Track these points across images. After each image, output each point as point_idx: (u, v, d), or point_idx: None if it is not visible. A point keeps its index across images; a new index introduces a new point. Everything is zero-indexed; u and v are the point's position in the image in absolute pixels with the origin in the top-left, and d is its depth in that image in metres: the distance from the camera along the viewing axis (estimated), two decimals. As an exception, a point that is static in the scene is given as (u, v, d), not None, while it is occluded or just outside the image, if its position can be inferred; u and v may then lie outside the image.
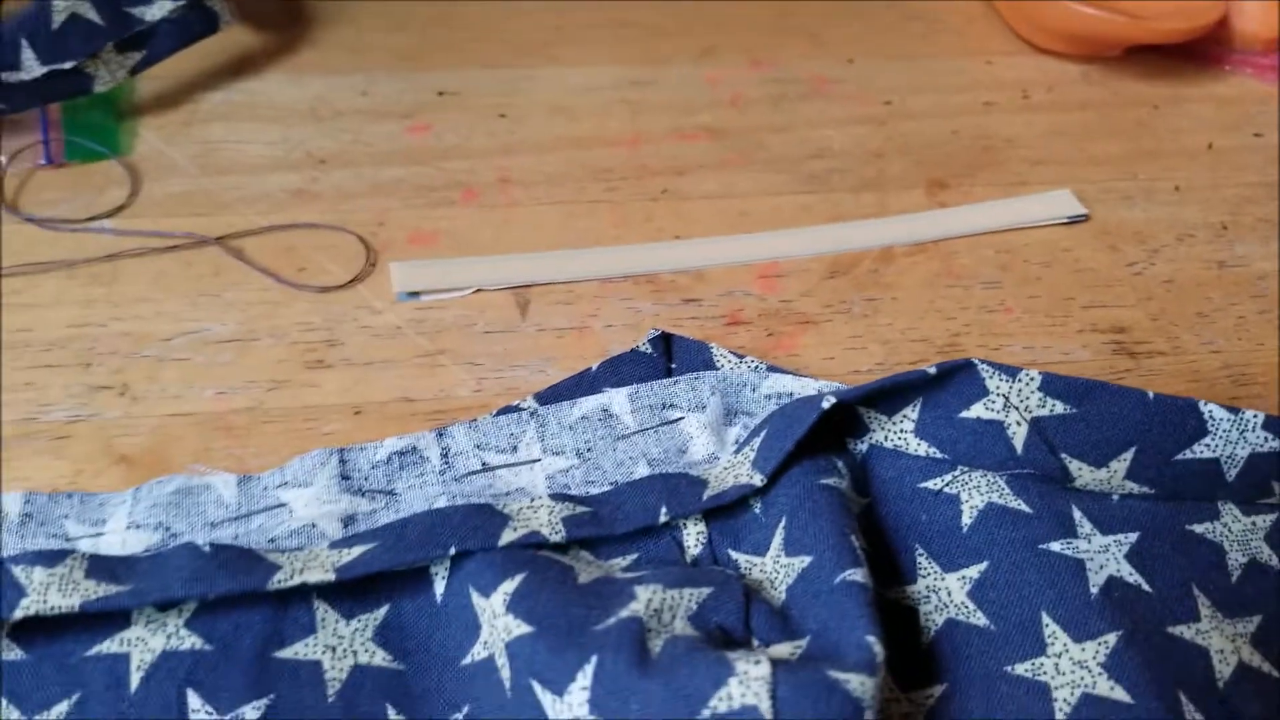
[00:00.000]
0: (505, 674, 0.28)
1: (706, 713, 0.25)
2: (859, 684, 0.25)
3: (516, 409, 0.36)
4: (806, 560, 0.30)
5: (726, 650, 0.27)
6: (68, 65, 0.42)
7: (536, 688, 0.27)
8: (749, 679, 0.25)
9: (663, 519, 0.32)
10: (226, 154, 0.45)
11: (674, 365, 0.37)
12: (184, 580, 0.29)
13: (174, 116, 0.46)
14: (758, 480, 0.32)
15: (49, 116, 0.45)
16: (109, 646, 0.29)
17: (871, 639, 0.27)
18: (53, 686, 0.29)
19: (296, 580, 0.29)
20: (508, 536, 0.30)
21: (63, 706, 0.29)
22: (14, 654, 0.29)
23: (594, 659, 0.26)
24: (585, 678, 0.26)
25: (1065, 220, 0.44)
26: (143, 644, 0.29)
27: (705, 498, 0.32)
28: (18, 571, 0.29)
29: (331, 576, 0.29)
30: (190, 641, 0.29)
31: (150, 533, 0.32)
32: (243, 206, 0.43)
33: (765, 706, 0.25)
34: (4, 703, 0.29)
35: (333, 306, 0.40)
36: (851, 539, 0.30)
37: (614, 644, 0.27)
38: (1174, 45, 0.50)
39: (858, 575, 0.29)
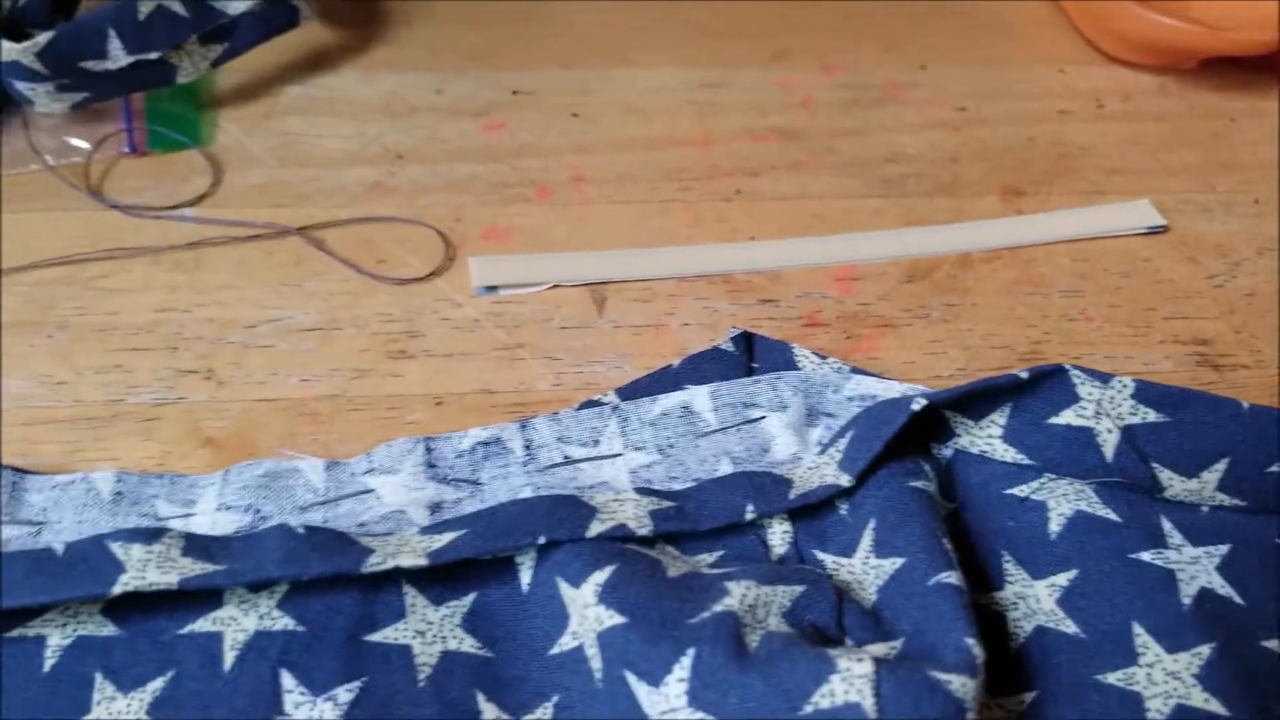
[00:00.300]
0: (596, 664, 0.29)
1: (809, 709, 0.25)
2: (960, 685, 0.26)
3: (598, 404, 0.36)
4: (899, 562, 0.30)
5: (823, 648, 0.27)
6: (153, 56, 0.43)
7: (631, 678, 0.27)
8: (852, 676, 0.25)
9: (749, 516, 0.32)
10: (304, 147, 0.45)
11: (755, 364, 0.37)
12: (279, 561, 0.29)
13: (253, 109, 0.47)
14: (845, 481, 0.32)
15: (132, 106, 0.45)
16: (202, 625, 0.30)
17: (971, 641, 0.27)
18: (147, 663, 0.29)
19: (390, 564, 0.29)
20: (595, 528, 0.30)
21: (157, 683, 0.29)
22: (108, 630, 0.30)
23: (691, 651, 0.27)
24: (683, 670, 0.26)
25: (1144, 231, 0.43)
26: (235, 623, 0.30)
27: (792, 496, 0.32)
28: (116, 548, 0.29)
29: (424, 561, 0.30)
30: (283, 622, 0.30)
31: (240, 514, 0.32)
32: (321, 199, 0.43)
33: (869, 704, 0.25)
34: (98, 677, 0.29)
35: (412, 299, 0.40)
36: (944, 542, 0.30)
37: (711, 637, 0.27)
38: (1250, 57, 0.50)
39: (952, 578, 0.29)
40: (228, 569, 0.29)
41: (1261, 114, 0.50)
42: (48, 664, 0.29)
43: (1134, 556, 0.32)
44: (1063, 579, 0.32)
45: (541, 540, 0.30)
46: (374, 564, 0.29)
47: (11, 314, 0.38)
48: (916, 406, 0.32)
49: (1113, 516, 0.32)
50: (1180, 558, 0.32)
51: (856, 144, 0.47)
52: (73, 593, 0.28)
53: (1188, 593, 0.31)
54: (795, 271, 0.42)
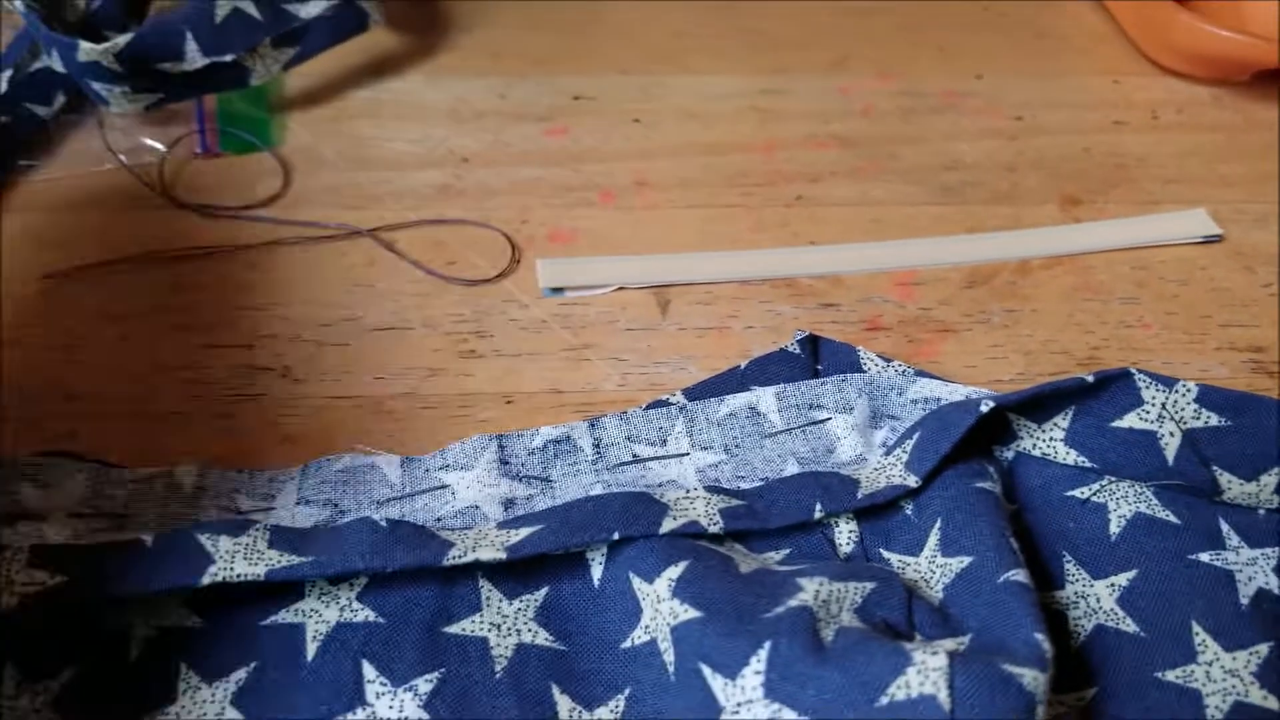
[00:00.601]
0: (669, 657, 0.29)
1: (885, 700, 0.26)
2: (1032, 679, 0.26)
3: (666, 403, 0.36)
4: (966, 560, 0.31)
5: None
6: (227, 58, 0.44)
7: (706, 671, 0.28)
8: (927, 669, 0.26)
9: (817, 515, 0.33)
10: (373, 150, 0.46)
11: (821, 366, 0.38)
12: (364, 553, 0.30)
13: (322, 112, 0.48)
14: (912, 482, 0.33)
15: (205, 107, 0.46)
16: (284, 617, 0.31)
17: (1040, 636, 0.28)
18: (230, 653, 0.30)
19: (470, 557, 0.30)
20: (668, 525, 0.31)
21: (241, 673, 0.30)
22: (191, 621, 0.30)
23: (768, 644, 0.27)
24: (759, 662, 0.27)
25: (1200, 240, 0.44)
26: (317, 615, 0.31)
27: (860, 496, 0.33)
28: (204, 540, 0.30)
29: (503, 555, 0.30)
30: (363, 614, 0.31)
31: (319, 509, 0.33)
32: (390, 200, 0.44)
33: (943, 696, 0.25)
34: (183, 668, 0.30)
35: (481, 299, 0.41)
36: (1010, 540, 0.31)
37: (788, 630, 0.27)
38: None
39: (1020, 576, 0.30)
40: (313, 560, 0.30)
41: (1315, 125, 0.50)
42: (133, 654, 0.30)
43: (1193, 557, 0.32)
44: (1123, 579, 0.32)
45: (616, 536, 0.31)
46: (455, 557, 0.30)
47: (92, 309, 0.39)
48: (985, 409, 0.33)
49: (1172, 519, 0.33)
50: (1238, 559, 0.32)
51: (916, 151, 0.48)
52: (163, 584, 0.29)
53: (1245, 593, 0.32)
54: (856, 276, 0.42)
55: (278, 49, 0.46)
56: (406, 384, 0.38)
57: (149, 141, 0.45)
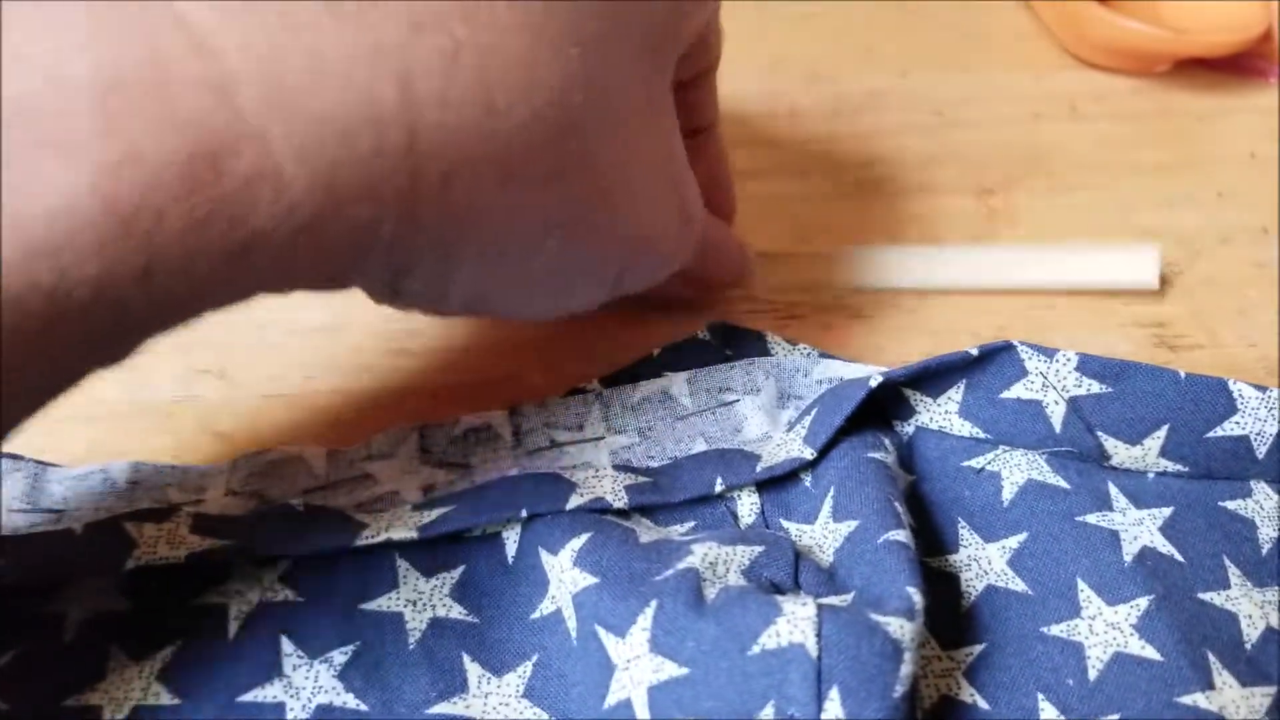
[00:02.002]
0: (572, 624, 0.32)
1: (756, 649, 0.28)
2: (899, 627, 0.28)
3: (583, 391, 0.38)
4: (853, 525, 0.33)
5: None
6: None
7: (601, 632, 0.30)
8: (796, 618, 0.28)
9: (718, 489, 0.35)
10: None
11: (729, 352, 0.40)
12: (280, 539, 0.32)
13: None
14: (808, 454, 0.35)
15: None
16: (209, 598, 0.32)
17: (911, 589, 0.30)
18: (157, 633, 0.32)
19: (383, 537, 0.32)
20: (574, 501, 0.33)
21: (167, 652, 0.31)
22: (121, 605, 0.32)
23: (654, 603, 0.29)
24: (646, 620, 0.29)
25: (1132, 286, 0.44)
26: (240, 595, 0.32)
27: (758, 469, 0.35)
28: (129, 527, 0.32)
29: (414, 534, 0.33)
30: (284, 594, 0.33)
31: (246, 500, 0.35)
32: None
33: (810, 644, 0.27)
34: (113, 648, 0.32)
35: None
36: (895, 505, 0.33)
37: (672, 590, 0.30)
38: (1219, 59, 0.52)
39: (900, 535, 0.32)
40: (232, 545, 0.32)
41: (1228, 112, 0.52)
42: (68, 636, 0.32)
43: (1080, 519, 0.34)
44: (1013, 541, 0.34)
45: (524, 513, 0.33)
46: (368, 537, 0.32)
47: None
48: (874, 383, 0.35)
49: (1062, 484, 0.35)
50: (1124, 520, 0.34)
51: (837, 149, 0.50)
52: (90, 568, 0.31)
53: (1130, 550, 0.33)
54: (772, 266, 0.44)
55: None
56: (336, 381, 0.40)
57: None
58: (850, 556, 0.32)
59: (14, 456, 0.36)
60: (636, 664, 0.29)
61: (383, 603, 0.33)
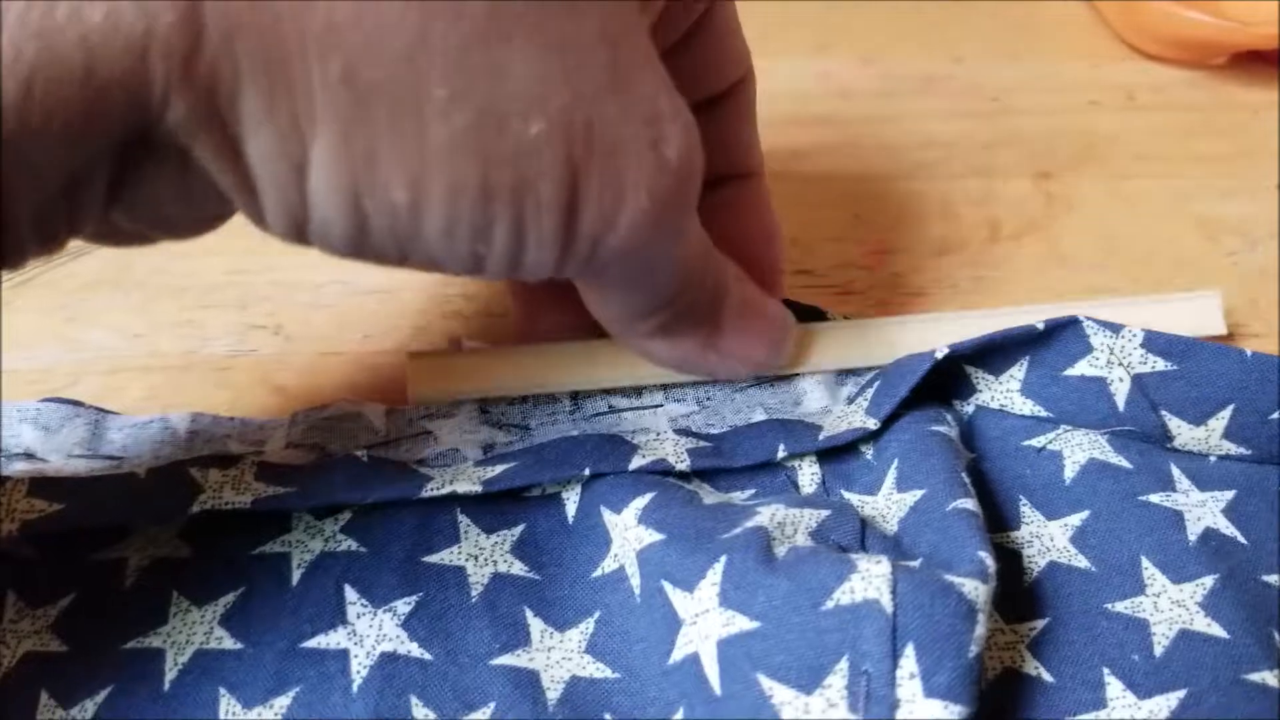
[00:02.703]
0: (635, 581, 0.32)
1: (829, 604, 0.28)
2: (973, 588, 0.28)
3: None
4: (919, 493, 0.33)
5: None
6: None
7: (667, 587, 0.30)
8: (870, 575, 0.28)
9: (780, 455, 0.35)
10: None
11: None
12: (345, 486, 0.32)
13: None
14: (871, 424, 0.35)
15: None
16: (272, 547, 0.33)
17: (984, 554, 0.30)
18: (220, 580, 0.32)
19: (447, 489, 0.32)
20: (636, 462, 0.33)
21: (229, 597, 0.32)
22: (183, 552, 0.33)
23: (723, 559, 0.29)
24: (715, 575, 0.29)
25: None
26: (302, 545, 0.33)
27: (820, 438, 0.35)
28: (194, 472, 0.32)
29: (478, 488, 0.33)
30: (346, 544, 0.33)
31: (306, 452, 0.35)
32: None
33: (886, 600, 0.27)
34: (174, 594, 0.32)
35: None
36: (962, 475, 0.33)
37: (742, 546, 0.29)
38: (1275, 53, 0.52)
39: (969, 504, 0.32)
40: (298, 492, 0.32)
41: (1287, 106, 0.52)
42: (128, 581, 0.32)
43: (1143, 499, 0.34)
44: (1076, 519, 0.34)
45: (587, 472, 0.33)
46: (432, 489, 0.32)
47: (92, 274, 0.42)
48: (939, 355, 0.35)
49: (1125, 464, 0.35)
50: (1187, 501, 0.34)
51: (892, 130, 0.50)
52: (156, 510, 0.31)
53: (1194, 531, 0.33)
54: (826, 244, 0.44)
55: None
56: (393, 341, 0.40)
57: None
58: (916, 525, 0.32)
59: (74, 402, 0.36)
60: (705, 618, 0.29)
61: (444, 556, 0.33)
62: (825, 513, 0.32)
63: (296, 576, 0.32)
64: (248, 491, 0.32)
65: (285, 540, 0.33)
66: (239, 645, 0.31)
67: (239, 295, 0.41)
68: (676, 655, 0.30)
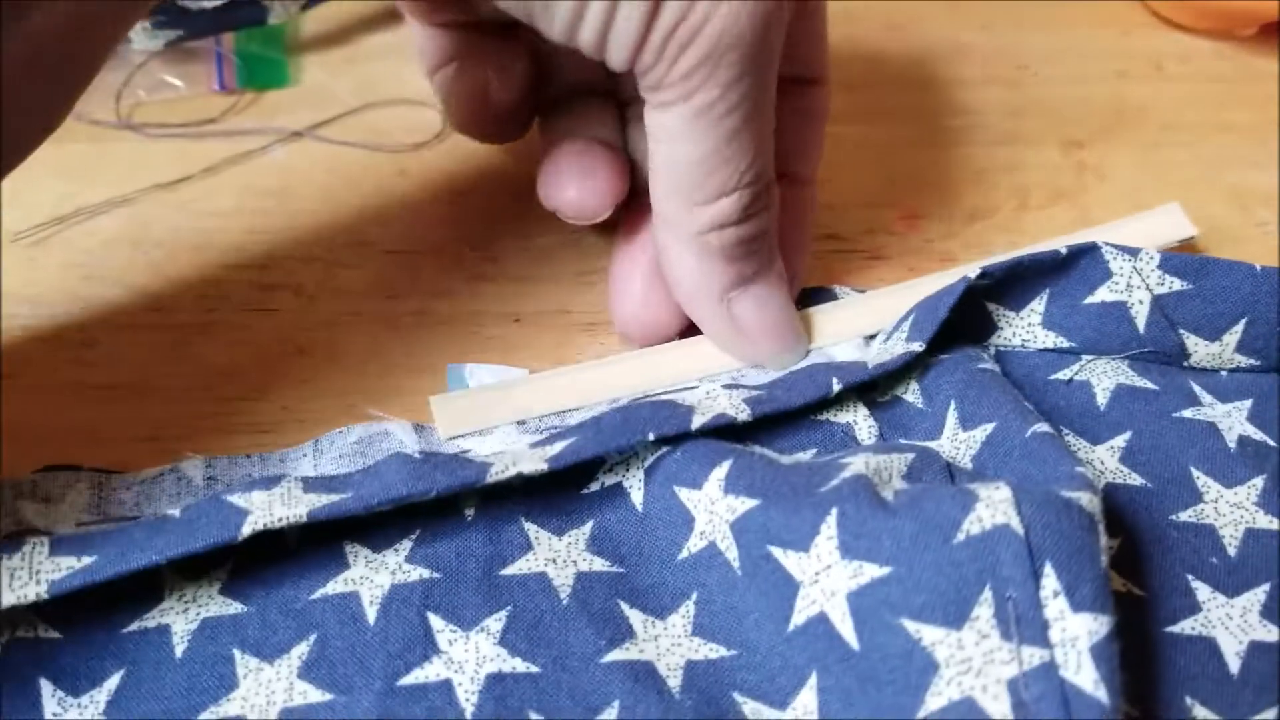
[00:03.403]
0: (732, 555, 0.30)
1: (961, 536, 0.26)
2: (1089, 500, 0.28)
3: None
4: (989, 427, 0.33)
5: None
6: (248, -4, 0.45)
7: (776, 552, 0.29)
8: (994, 501, 0.27)
9: (836, 389, 0.34)
10: (387, 89, 0.47)
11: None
12: (404, 480, 0.29)
13: (337, 54, 0.49)
14: (917, 347, 0.34)
15: (223, 45, 0.47)
16: (334, 588, 0.30)
17: (1081, 469, 0.29)
18: (285, 631, 0.29)
19: (512, 471, 0.30)
20: (698, 421, 0.32)
21: (302, 647, 0.29)
22: (233, 608, 0.29)
23: (834, 510, 0.28)
24: (829, 529, 0.28)
25: (1176, 242, 0.41)
26: (369, 581, 0.30)
27: (870, 367, 0.34)
28: (235, 498, 0.29)
29: (544, 466, 0.30)
30: (416, 573, 0.30)
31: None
32: (402, 135, 0.45)
33: (1015, 523, 0.26)
34: (237, 653, 0.29)
35: (494, 226, 0.42)
36: (1026, 404, 0.33)
37: (850, 495, 0.28)
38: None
39: (1044, 427, 0.32)
40: (355, 495, 0.29)
41: (1315, 77, 0.51)
42: (178, 650, 0.29)
43: (1177, 415, 0.35)
44: (1120, 441, 0.35)
45: (651, 436, 0.32)
46: (496, 473, 0.30)
47: (110, 232, 0.41)
48: (973, 275, 0.35)
49: (1150, 385, 0.36)
50: (1215, 413, 0.35)
51: (920, 97, 0.49)
52: (200, 543, 0.28)
53: (1230, 439, 0.34)
54: (858, 209, 0.44)
55: (296, -11, 0.47)
56: (416, 303, 0.39)
57: (169, 78, 0.47)
58: (995, 457, 0.32)
59: (72, 467, 0.33)
60: (827, 574, 0.28)
61: (522, 565, 0.31)
62: (910, 455, 0.31)
63: (373, 614, 0.29)
64: (300, 504, 0.28)
65: (347, 579, 0.30)
66: (329, 696, 0.28)
67: (259, 254, 0.40)
68: (798, 619, 0.28)
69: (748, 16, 0.29)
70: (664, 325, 0.37)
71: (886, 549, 0.27)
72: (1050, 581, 0.26)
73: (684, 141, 0.31)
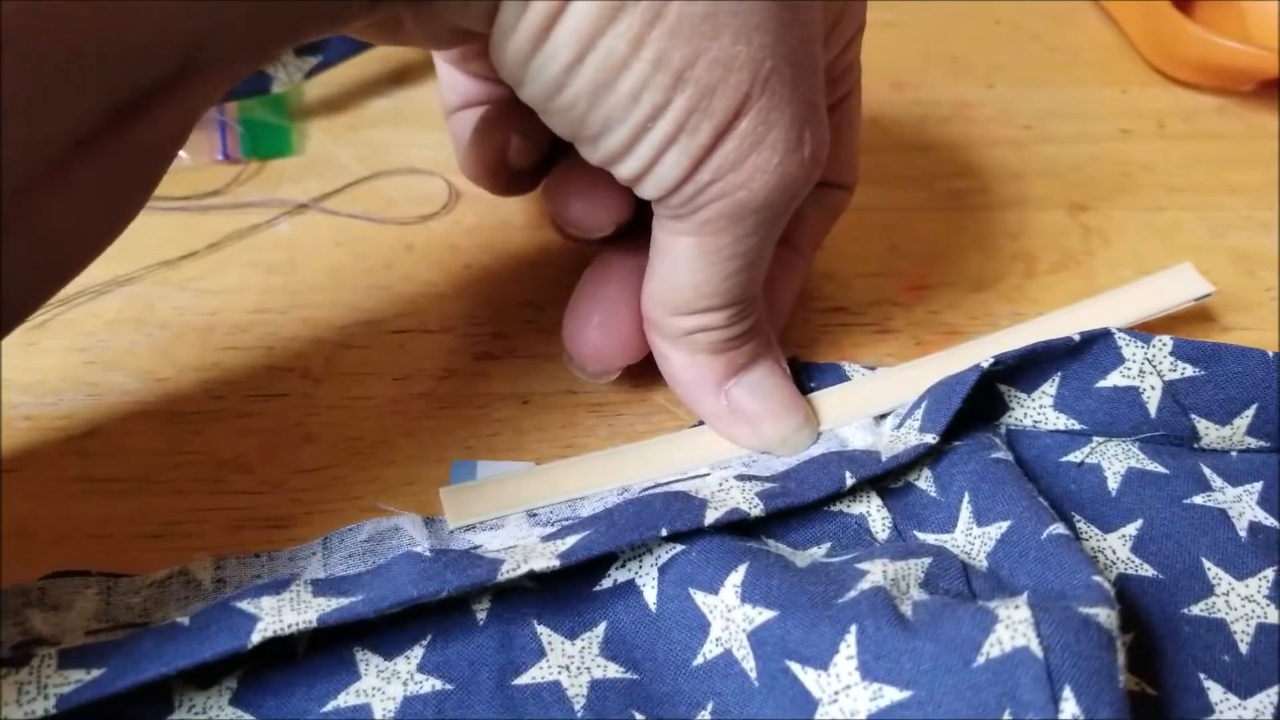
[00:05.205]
0: (749, 665, 0.29)
1: (981, 659, 0.26)
2: (1106, 616, 0.27)
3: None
4: (1004, 525, 0.32)
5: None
6: (250, 66, 0.44)
7: (795, 668, 0.28)
8: (1014, 622, 0.26)
9: (849, 483, 0.33)
10: (393, 157, 0.47)
11: (813, 385, 0.38)
12: (415, 581, 0.29)
13: (340, 120, 0.49)
14: (930, 439, 0.34)
15: (226, 114, 0.47)
16: (346, 699, 0.29)
17: (1099, 579, 0.29)
18: None
19: (524, 569, 0.29)
20: (711, 516, 0.31)
21: None
22: (239, 716, 0.29)
23: (853, 628, 0.27)
24: (849, 646, 0.27)
25: (1195, 300, 0.40)
26: (380, 693, 0.29)
27: (884, 459, 0.33)
28: (244, 604, 0.28)
29: (555, 563, 0.29)
30: (429, 684, 0.29)
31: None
32: (409, 206, 0.45)
33: (1035, 645, 0.26)
34: None
35: (501, 301, 0.41)
36: (1041, 500, 0.32)
37: (869, 611, 0.28)
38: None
39: (1061, 529, 0.31)
40: (364, 599, 0.28)
41: (1318, 134, 0.51)
42: None
43: (1187, 501, 0.34)
44: (1131, 529, 0.34)
45: (664, 532, 0.31)
46: (507, 571, 0.29)
47: (114, 313, 0.40)
48: (986, 364, 0.34)
49: (1161, 469, 0.35)
50: (1225, 497, 0.35)
51: (926, 158, 0.48)
52: (210, 652, 0.27)
53: (1240, 526, 0.34)
54: (864, 279, 0.43)
55: (300, 58, 0.46)
56: (424, 384, 0.38)
57: (171, 148, 0.46)
58: (1010, 558, 0.31)
59: (81, 573, 0.32)
60: (847, 695, 0.27)
61: (535, 674, 0.30)
62: (927, 560, 0.31)
63: None
64: (309, 609, 0.27)
65: (359, 690, 0.29)
66: None
67: (265, 334, 0.40)
68: None
69: (778, 188, 0.30)
70: (612, 358, 0.37)
71: (907, 671, 0.26)
72: (1069, 705, 0.25)
73: (685, 264, 0.32)
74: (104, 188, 0.25)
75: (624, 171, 0.30)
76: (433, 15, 0.28)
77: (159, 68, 0.23)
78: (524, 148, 0.37)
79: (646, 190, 0.30)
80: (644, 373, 0.38)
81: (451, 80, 0.38)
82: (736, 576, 0.30)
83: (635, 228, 0.36)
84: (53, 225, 0.24)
